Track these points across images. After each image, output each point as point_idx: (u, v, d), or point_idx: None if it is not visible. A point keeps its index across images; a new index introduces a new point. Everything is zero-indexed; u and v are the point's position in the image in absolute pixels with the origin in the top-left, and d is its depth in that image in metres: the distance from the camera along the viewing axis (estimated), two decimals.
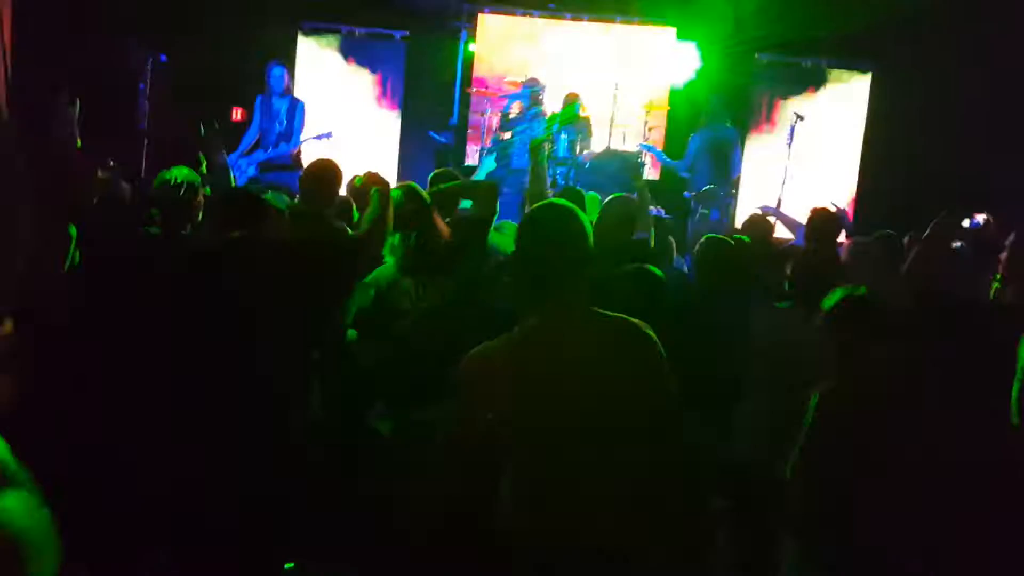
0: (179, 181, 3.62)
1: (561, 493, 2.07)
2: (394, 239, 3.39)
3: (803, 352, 3.12)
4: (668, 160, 9.01)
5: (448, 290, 3.36)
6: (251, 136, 7.66)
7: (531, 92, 8.84)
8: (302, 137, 7.74)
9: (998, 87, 7.86)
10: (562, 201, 2.30)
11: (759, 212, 6.05)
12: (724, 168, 8.26)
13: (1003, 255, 3.67)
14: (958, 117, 8.04)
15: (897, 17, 8.34)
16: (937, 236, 3.79)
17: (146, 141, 7.70)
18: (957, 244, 4.76)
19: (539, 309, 2.14)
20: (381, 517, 3.14)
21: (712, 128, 8.42)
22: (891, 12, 8.35)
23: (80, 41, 6.78)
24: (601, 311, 2.17)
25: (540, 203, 2.33)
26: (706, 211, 8.11)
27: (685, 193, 8.45)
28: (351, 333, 3.44)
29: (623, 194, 4.60)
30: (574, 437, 2.06)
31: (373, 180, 3.39)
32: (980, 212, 5.13)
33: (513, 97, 9.10)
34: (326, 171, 3.95)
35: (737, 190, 8.97)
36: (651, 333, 2.18)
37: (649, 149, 8.95)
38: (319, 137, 7.82)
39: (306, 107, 7.76)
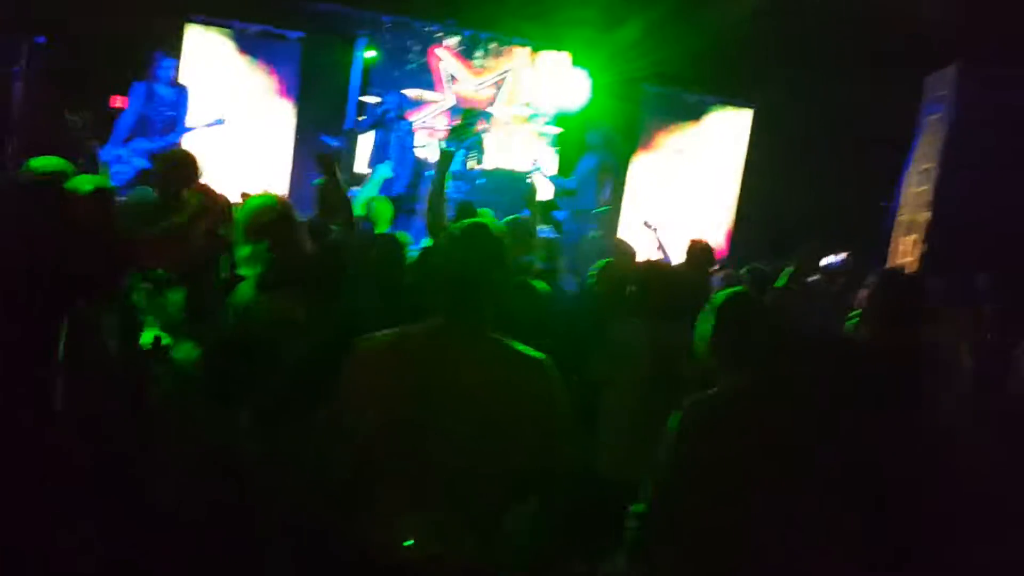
0: (47, 171, 3.42)
1: (393, 497, 2.09)
2: (245, 251, 3.24)
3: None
4: (557, 179, 9.22)
5: (306, 304, 3.25)
6: (126, 123, 7.33)
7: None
8: (193, 123, 7.49)
9: (874, 123, 8.41)
10: (487, 221, 2.36)
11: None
12: (599, 191, 8.57)
13: (862, 293, 3.89)
14: (833, 153, 8.56)
15: (776, 55, 8.84)
16: (802, 267, 4.02)
17: (15, 127, 7.29)
18: (814, 278, 5.07)
19: (436, 318, 2.20)
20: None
21: (598, 152, 8.69)
22: (770, 50, 8.85)
23: None
24: (502, 339, 2.21)
25: (467, 221, 2.34)
26: (597, 233, 8.37)
27: (560, 213, 8.63)
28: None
29: (517, 216, 4.70)
30: (430, 445, 2.08)
31: (200, 189, 3.30)
32: (843, 250, 5.48)
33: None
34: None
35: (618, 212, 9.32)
36: (549, 376, 2.20)
37: (537, 169, 9.15)
38: (212, 124, 7.59)
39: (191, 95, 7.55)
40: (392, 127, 8.39)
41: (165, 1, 8.82)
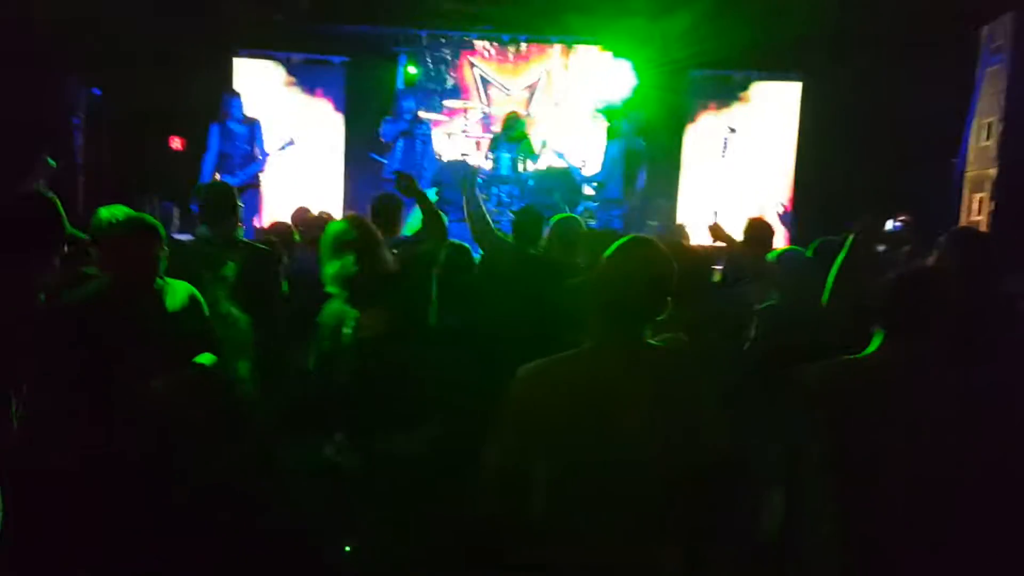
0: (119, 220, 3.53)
1: (594, 523, 2.09)
2: (333, 268, 3.34)
3: None
4: (571, 167, 9.17)
5: (391, 318, 3.32)
6: (209, 163, 7.79)
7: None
8: (268, 151, 7.89)
9: (922, 90, 8.15)
10: (650, 241, 2.33)
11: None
12: (634, 178, 8.42)
13: (931, 256, 3.76)
14: (885, 121, 8.31)
15: (823, 27, 8.63)
16: (860, 241, 3.89)
17: (82, 177, 7.59)
18: (880, 248, 4.91)
19: (600, 337, 2.20)
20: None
21: (625, 139, 8.58)
22: (816, 22, 8.65)
23: (13, 77, 6.68)
24: (656, 346, 2.23)
25: (632, 238, 2.34)
26: (655, 223, 8.29)
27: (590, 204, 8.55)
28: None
29: (569, 214, 4.69)
30: (610, 468, 2.09)
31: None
32: (900, 216, 5.30)
33: None
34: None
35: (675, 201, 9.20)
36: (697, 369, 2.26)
37: (560, 156, 9.12)
38: (284, 147, 7.95)
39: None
40: (414, 132, 8.52)
41: (212, 41, 9.09)
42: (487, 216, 4.36)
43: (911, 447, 2.40)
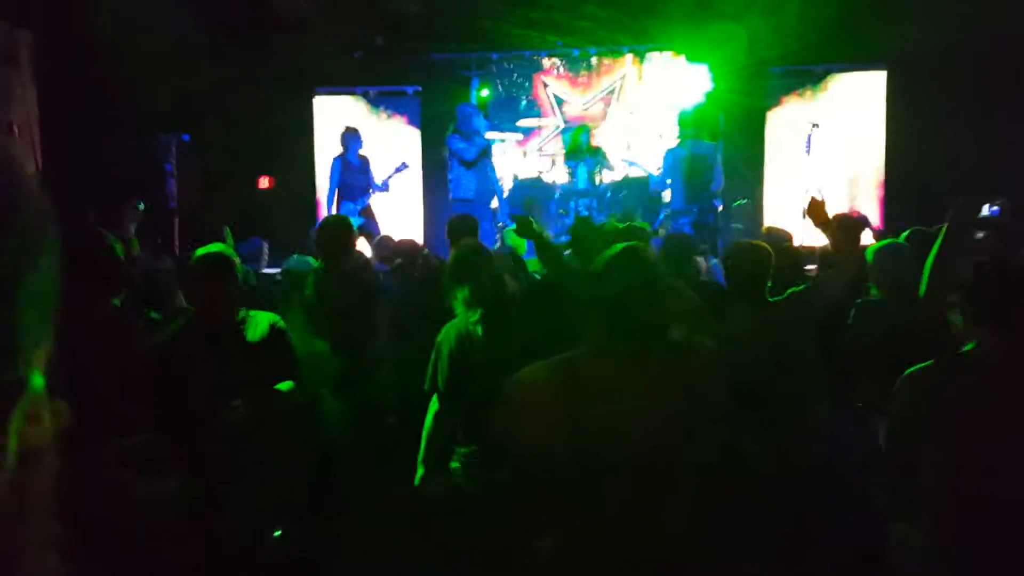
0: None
1: (596, 521, 2.12)
2: (464, 292, 3.33)
3: None
4: (649, 174, 9.03)
5: (517, 340, 3.29)
6: (331, 194, 8.61)
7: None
8: (383, 177, 8.60)
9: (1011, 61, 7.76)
10: (641, 247, 2.38)
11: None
12: (701, 182, 8.20)
13: None
14: (975, 108, 7.95)
15: (905, 12, 8.31)
16: (956, 227, 3.71)
17: (177, 220, 7.95)
18: (980, 235, 4.68)
19: (598, 341, 2.24)
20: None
21: (686, 145, 8.40)
22: (897, 8, 8.35)
23: (105, 130, 7.06)
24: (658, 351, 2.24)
25: (624, 245, 2.37)
26: (739, 226, 8.11)
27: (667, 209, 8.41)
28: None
29: (632, 222, 4.61)
30: (616, 468, 2.11)
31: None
32: (997, 199, 5.02)
33: None
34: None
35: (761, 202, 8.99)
36: (706, 364, 2.28)
37: (632, 164, 9.01)
38: (398, 170, 8.57)
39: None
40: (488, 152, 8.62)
41: (292, 82, 9.41)
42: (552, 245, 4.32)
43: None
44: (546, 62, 10.33)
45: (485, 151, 8.60)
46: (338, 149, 8.66)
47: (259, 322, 3.25)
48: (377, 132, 10.02)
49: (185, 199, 8.03)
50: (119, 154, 7.13)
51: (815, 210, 3.94)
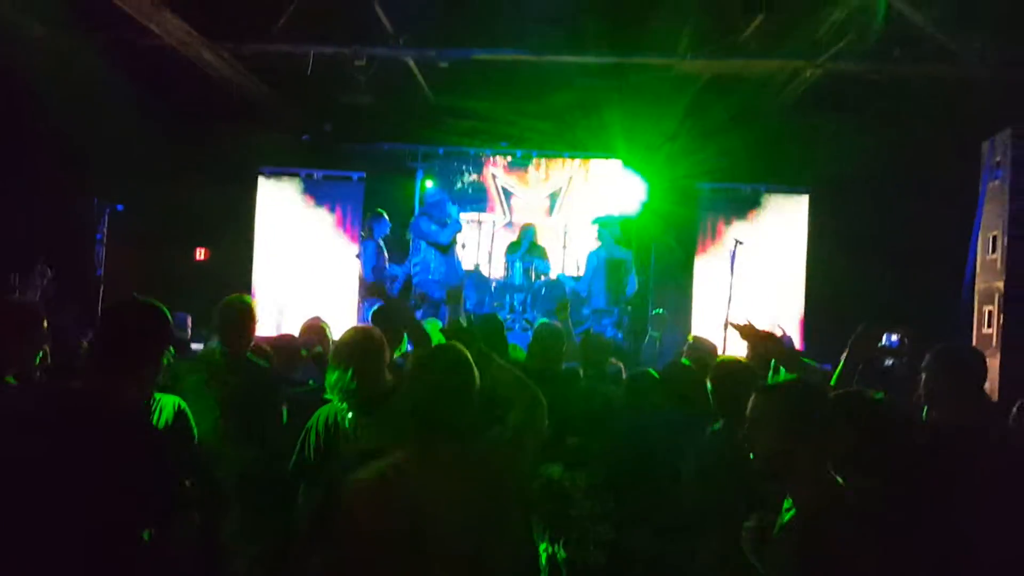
0: None
1: None
2: (332, 377, 3.31)
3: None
4: (568, 278, 9.34)
5: (383, 430, 3.30)
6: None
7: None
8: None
9: (929, 203, 8.25)
10: (457, 346, 2.42)
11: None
12: (619, 286, 8.52)
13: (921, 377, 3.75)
14: (893, 233, 8.40)
15: (830, 143, 8.85)
16: (857, 352, 3.88)
17: (103, 287, 7.84)
18: (889, 362, 4.89)
19: (414, 444, 2.29)
20: None
21: (606, 248, 8.74)
22: (824, 139, 8.88)
23: (37, 193, 7.03)
24: (469, 452, 2.30)
25: (438, 346, 2.46)
26: (656, 334, 8.31)
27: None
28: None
29: (547, 321, 4.72)
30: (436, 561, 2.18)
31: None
32: (898, 329, 5.28)
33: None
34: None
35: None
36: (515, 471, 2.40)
37: (545, 270, 9.33)
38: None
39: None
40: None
41: (237, 159, 9.50)
42: None
43: None
44: (498, 157, 10.64)
45: (454, 238, 8.78)
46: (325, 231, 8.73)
47: (164, 406, 3.15)
48: (315, 217, 10.07)
49: (114, 268, 7.94)
50: (49, 218, 7.08)
51: (744, 332, 4.07)
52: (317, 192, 10.11)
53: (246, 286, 9.76)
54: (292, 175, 10.10)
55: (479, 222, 10.40)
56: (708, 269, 9.81)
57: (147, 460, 2.25)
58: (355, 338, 3.38)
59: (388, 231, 8.85)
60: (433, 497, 2.19)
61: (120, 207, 7.39)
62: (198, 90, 8.36)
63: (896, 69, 7.84)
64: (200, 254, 10.02)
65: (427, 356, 2.40)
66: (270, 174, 10.08)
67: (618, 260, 8.57)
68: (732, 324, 4.28)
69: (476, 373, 2.33)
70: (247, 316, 3.95)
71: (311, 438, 3.30)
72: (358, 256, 8.83)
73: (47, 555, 2.07)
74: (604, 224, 8.96)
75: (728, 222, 9.88)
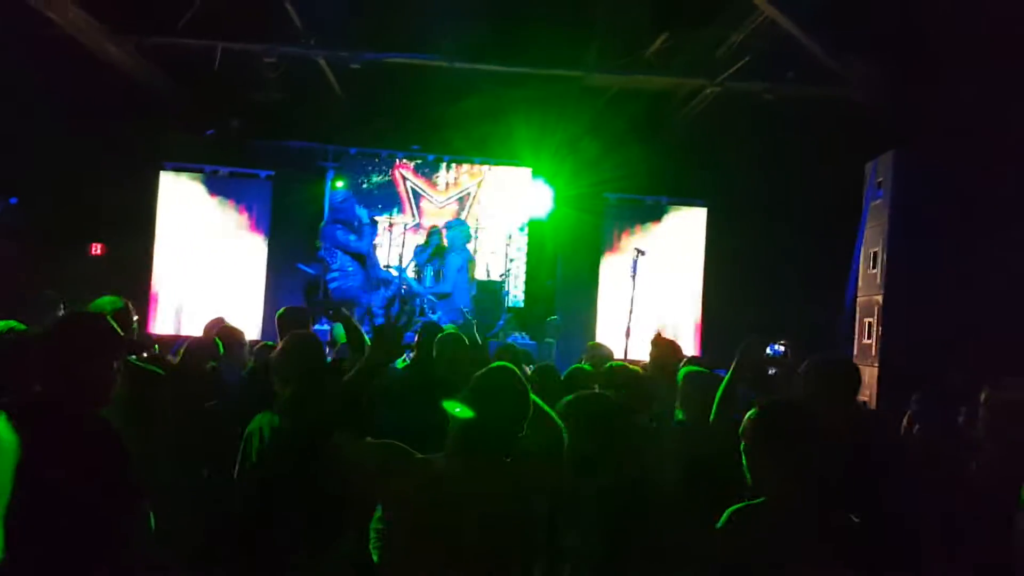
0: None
1: None
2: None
3: None
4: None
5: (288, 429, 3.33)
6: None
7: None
8: None
9: (820, 208, 8.71)
10: (508, 367, 2.61)
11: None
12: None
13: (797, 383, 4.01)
14: (780, 250, 8.86)
15: (726, 158, 9.25)
16: (743, 361, 4.11)
17: None
18: (772, 371, 5.18)
19: (460, 450, 2.47)
20: None
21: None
22: (720, 154, 9.28)
23: None
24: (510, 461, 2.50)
25: (496, 366, 2.63)
26: (551, 340, 8.54)
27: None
28: None
29: (453, 331, 4.80)
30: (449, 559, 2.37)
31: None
32: (781, 339, 5.60)
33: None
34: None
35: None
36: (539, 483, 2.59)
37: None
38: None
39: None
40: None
41: (139, 153, 9.25)
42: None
43: None
44: (407, 159, 10.68)
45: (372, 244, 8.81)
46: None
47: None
48: (219, 215, 9.90)
49: (5, 262, 7.65)
50: None
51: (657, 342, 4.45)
52: (222, 189, 9.94)
53: (144, 283, 9.53)
54: (196, 171, 9.90)
55: (391, 224, 10.42)
56: (612, 276, 10.10)
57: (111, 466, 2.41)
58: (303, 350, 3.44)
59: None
60: (469, 496, 2.39)
61: (13, 200, 7.14)
62: (100, 83, 8.11)
63: (788, 90, 8.29)
64: (96, 249, 9.70)
65: (484, 378, 2.55)
66: (173, 169, 9.85)
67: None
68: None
69: (528, 397, 2.53)
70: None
71: (253, 441, 3.29)
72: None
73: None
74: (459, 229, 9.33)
75: (632, 232, 10.19)
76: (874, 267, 7.41)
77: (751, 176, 9.08)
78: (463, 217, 10.65)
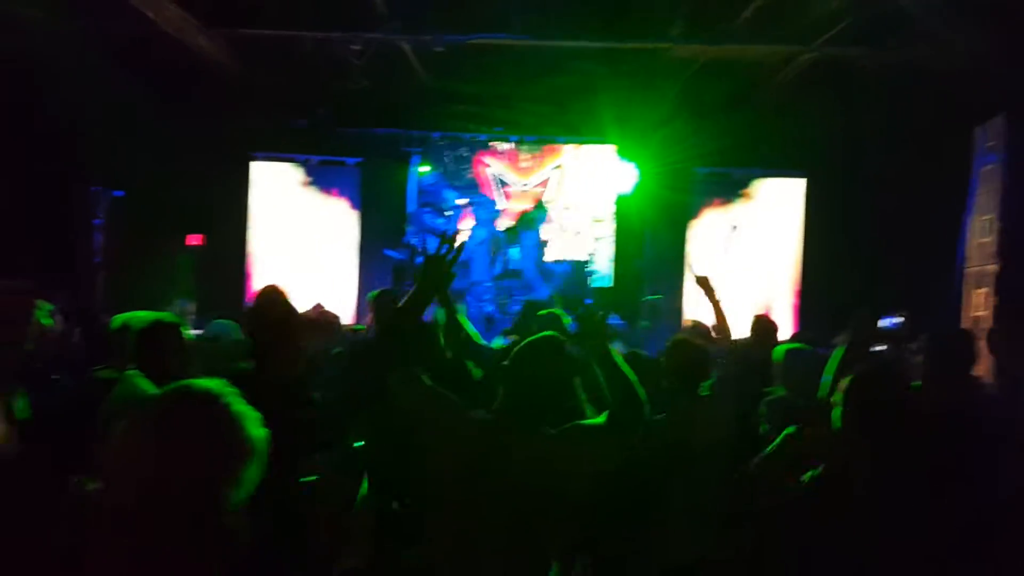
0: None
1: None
2: None
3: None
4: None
5: None
6: None
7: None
8: None
9: (928, 177, 8.33)
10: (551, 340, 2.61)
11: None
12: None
13: (917, 356, 3.84)
14: (892, 211, 8.47)
15: (825, 125, 8.87)
16: (856, 340, 3.95)
17: (102, 274, 7.84)
18: (882, 347, 4.96)
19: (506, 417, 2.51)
20: None
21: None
22: (819, 121, 8.91)
23: (39, 181, 7.00)
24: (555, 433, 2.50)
25: (536, 338, 2.64)
26: (646, 323, 8.38)
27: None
28: None
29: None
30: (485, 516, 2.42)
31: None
32: (898, 312, 5.34)
33: None
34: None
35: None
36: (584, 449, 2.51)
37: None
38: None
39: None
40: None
41: (231, 146, 9.47)
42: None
43: None
44: (492, 144, 10.65)
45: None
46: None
47: None
48: (312, 203, 10.10)
49: (112, 254, 7.93)
50: (45, 207, 7.05)
51: (702, 284, 4.43)
52: (313, 178, 10.13)
53: (241, 271, 9.80)
54: (287, 160, 10.11)
55: (473, 207, 10.44)
56: (702, 253, 9.87)
57: None
58: None
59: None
60: (499, 460, 2.42)
61: (118, 193, 7.38)
62: (193, 77, 8.32)
63: (889, 55, 7.89)
64: (195, 240, 10.00)
65: (527, 348, 2.58)
66: (264, 159, 10.07)
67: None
68: (696, 275, 4.54)
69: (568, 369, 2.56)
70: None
71: None
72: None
73: None
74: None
75: (723, 206, 9.93)
76: (987, 235, 7.04)
77: (852, 145, 8.70)
78: (548, 199, 10.57)
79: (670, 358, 3.94)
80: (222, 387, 1.57)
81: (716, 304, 4.27)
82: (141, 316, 3.68)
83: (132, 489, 1.34)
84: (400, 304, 2.64)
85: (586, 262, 9.91)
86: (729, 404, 3.81)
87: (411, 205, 10.20)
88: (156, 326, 3.24)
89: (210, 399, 1.51)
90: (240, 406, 1.54)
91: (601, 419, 2.55)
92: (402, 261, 9.98)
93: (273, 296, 3.69)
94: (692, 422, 3.60)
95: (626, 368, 2.61)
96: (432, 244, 2.63)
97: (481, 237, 9.91)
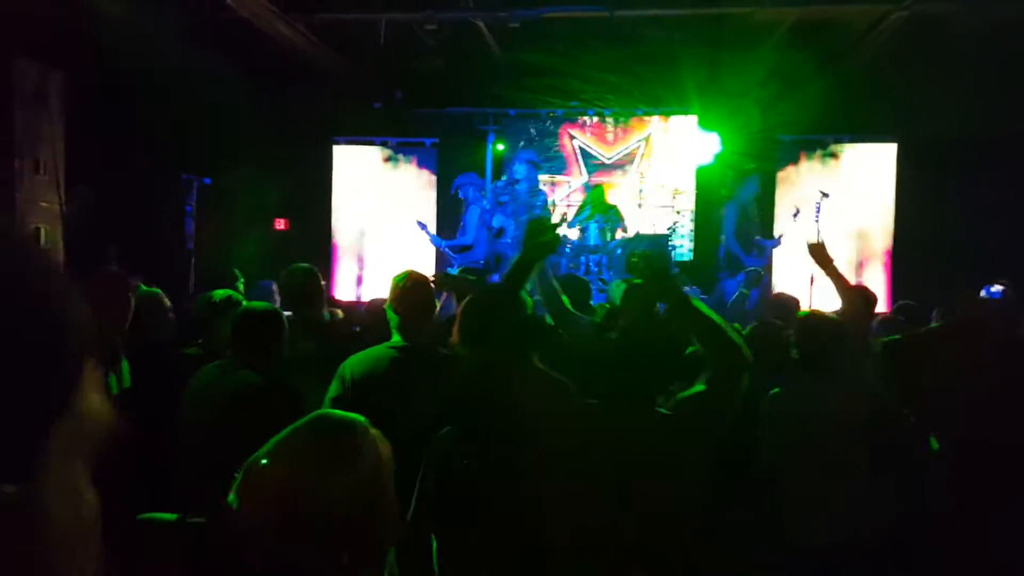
0: (217, 300, 3.69)
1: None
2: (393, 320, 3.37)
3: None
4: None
5: None
6: None
7: None
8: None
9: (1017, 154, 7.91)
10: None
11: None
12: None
13: None
14: (983, 186, 8.08)
15: (918, 92, 8.46)
16: (961, 308, 3.78)
17: (193, 260, 8.08)
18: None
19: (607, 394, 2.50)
20: None
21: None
22: (911, 87, 8.50)
23: (130, 170, 7.22)
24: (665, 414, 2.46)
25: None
26: (746, 291, 8.17)
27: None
28: None
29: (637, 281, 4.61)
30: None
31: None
32: (999, 281, 5.04)
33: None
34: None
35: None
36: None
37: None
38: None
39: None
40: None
41: (312, 131, 9.62)
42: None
43: None
44: (571, 119, 10.55)
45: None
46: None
47: None
48: (393, 182, 10.21)
49: (203, 240, 8.17)
50: (141, 193, 7.28)
51: (816, 252, 3.97)
52: (391, 159, 10.25)
53: (326, 253, 9.99)
54: (367, 143, 10.24)
55: (553, 183, 10.37)
56: (790, 223, 9.58)
57: None
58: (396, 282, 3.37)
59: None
60: (606, 442, 2.39)
61: (207, 180, 7.58)
62: (275, 64, 8.45)
63: (984, 13, 7.45)
64: (280, 224, 10.23)
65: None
66: (345, 143, 10.23)
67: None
68: (809, 243, 4.11)
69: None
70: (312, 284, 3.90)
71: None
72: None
73: None
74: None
75: (809, 173, 9.62)
76: None
77: (946, 108, 8.27)
78: (631, 172, 10.43)
79: (801, 332, 3.69)
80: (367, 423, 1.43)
81: (836, 275, 3.88)
82: (220, 294, 3.77)
83: (273, 515, 1.26)
84: (509, 269, 2.67)
85: (667, 236, 9.74)
86: (863, 381, 3.56)
87: (488, 183, 10.20)
88: (257, 319, 3.18)
89: (363, 432, 1.39)
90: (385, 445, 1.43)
91: (701, 386, 2.44)
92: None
93: (419, 279, 3.70)
94: (823, 397, 3.38)
95: (710, 312, 2.50)
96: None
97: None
